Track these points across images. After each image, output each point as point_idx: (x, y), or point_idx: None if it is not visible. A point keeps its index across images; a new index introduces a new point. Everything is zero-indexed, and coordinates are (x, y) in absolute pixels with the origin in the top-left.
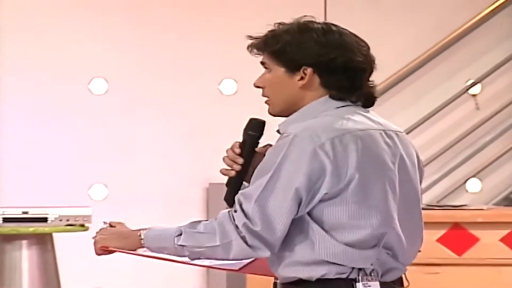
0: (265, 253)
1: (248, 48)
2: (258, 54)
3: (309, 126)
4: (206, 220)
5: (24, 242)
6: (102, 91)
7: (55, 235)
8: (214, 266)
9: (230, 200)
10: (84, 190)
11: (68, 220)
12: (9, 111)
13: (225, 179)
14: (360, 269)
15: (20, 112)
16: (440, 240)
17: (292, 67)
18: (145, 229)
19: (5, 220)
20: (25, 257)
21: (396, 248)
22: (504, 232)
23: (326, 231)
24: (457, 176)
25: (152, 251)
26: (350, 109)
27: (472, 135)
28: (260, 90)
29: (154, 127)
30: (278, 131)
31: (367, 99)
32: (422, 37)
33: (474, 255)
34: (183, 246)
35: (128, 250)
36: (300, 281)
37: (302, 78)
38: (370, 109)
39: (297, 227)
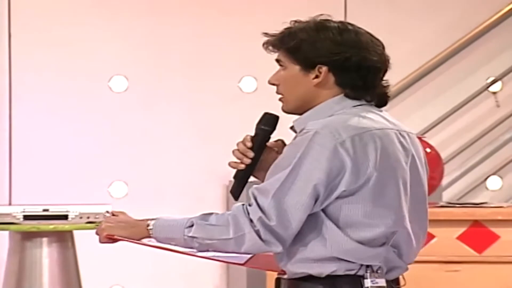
0: (278, 248)
1: (263, 45)
2: (274, 51)
3: (329, 123)
4: (217, 213)
5: (45, 239)
6: (122, 88)
7: (75, 232)
8: (218, 258)
9: (236, 193)
10: (105, 187)
11: (88, 217)
12: (30, 109)
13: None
14: (367, 266)
15: (41, 110)
16: (461, 237)
17: (307, 65)
18: (153, 219)
19: (26, 217)
20: (45, 255)
21: (403, 247)
22: None
23: (339, 228)
24: (477, 173)
25: (159, 241)
26: (366, 108)
27: (492, 132)
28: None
29: (174, 124)
30: (291, 128)
31: (381, 99)
32: (442, 35)
33: (495, 253)
34: (193, 237)
35: (134, 239)
36: (310, 277)
37: (317, 77)
38: (385, 108)
39: (310, 223)
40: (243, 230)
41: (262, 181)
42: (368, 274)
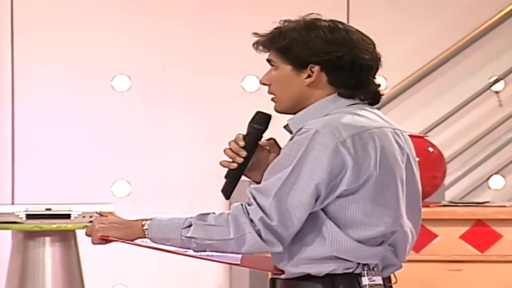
0: (278, 248)
1: (254, 45)
2: (264, 51)
3: (329, 122)
4: (213, 212)
5: (47, 238)
6: (125, 88)
7: (78, 231)
8: (213, 258)
9: (228, 193)
10: (107, 186)
11: (91, 216)
12: (33, 109)
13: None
14: (364, 264)
15: (43, 109)
16: (463, 237)
17: (299, 64)
18: (147, 219)
19: (29, 216)
20: (48, 254)
21: (399, 246)
22: None
23: (339, 227)
24: (480, 173)
25: (154, 241)
26: (360, 106)
27: (495, 131)
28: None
29: (177, 123)
30: (285, 127)
31: (374, 97)
32: (444, 34)
33: (497, 252)
34: (191, 238)
35: (129, 240)
36: (308, 276)
37: (309, 76)
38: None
39: (310, 223)
40: (244, 230)
41: (254, 181)
42: (365, 272)
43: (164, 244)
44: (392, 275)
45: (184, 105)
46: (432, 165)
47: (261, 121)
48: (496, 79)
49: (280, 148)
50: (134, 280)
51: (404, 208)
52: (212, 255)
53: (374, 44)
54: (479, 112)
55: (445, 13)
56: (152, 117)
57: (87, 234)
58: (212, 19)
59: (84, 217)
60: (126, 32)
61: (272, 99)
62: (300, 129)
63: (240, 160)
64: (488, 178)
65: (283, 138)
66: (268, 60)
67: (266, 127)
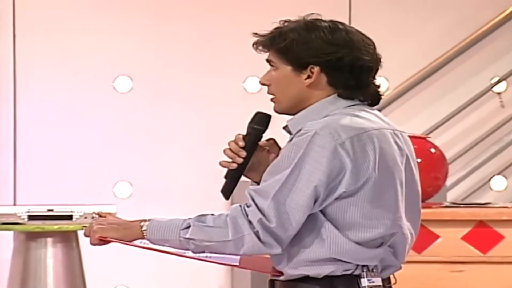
0: (277, 250)
1: (253, 45)
2: (264, 51)
3: (328, 124)
4: (212, 214)
5: (49, 239)
6: (127, 89)
7: (80, 232)
8: (211, 260)
9: (227, 193)
10: (109, 187)
11: (93, 217)
12: (35, 110)
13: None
14: (364, 266)
15: (45, 110)
16: (465, 238)
17: (299, 65)
18: (145, 220)
19: (31, 217)
20: (50, 255)
21: (399, 247)
22: None
23: (338, 229)
24: (481, 174)
25: (152, 242)
26: (360, 107)
27: (497, 132)
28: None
29: (179, 124)
30: (284, 128)
31: (374, 98)
32: (446, 35)
33: (499, 253)
34: (190, 239)
35: (127, 241)
36: (307, 278)
37: (309, 77)
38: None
39: (309, 225)
40: (242, 232)
41: (254, 181)
42: (364, 273)
43: (163, 245)
44: (391, 276)
45: (185, 106)
46: (434, 166)
47: (261, 121)
48: (498, 80)
49: (279, 149)
50: (136, 281)
51: (403, 210)
52: (210, 257)
53: (374, 45)
54: (481, 113)
55: (447, 14)
56: (154, 118)
57: (86, 235)
58: (214, 20)
59: (86, 218)
60: (128, 33)
61: (272, 100)
62: (299, 130)
63: (240, 160)
64: (490, 179)
65: (283, 139)
66: (268, 61)
67: (266, 128)
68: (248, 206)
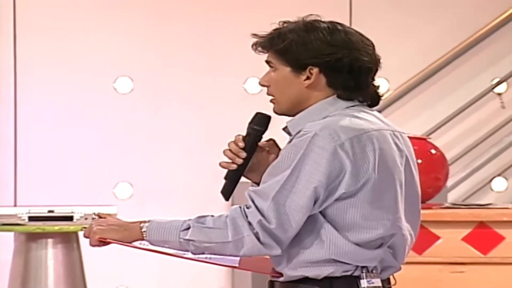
0: (277, 251)
1: (252, 46)
2: (263, 52)
3: (328, 125)
4: (212, 215)
5: (50, 240)
6: (127, 89)
7: (80, 233)
8: (211, 261)
9: (227, 194)
10: (109, 188)
11: (93, 218)
12: (35, 111)
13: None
14: (363, 267)
15: (46, 111)
16: (466, 239)
17: (298, 66)
18: (145, 221)
19: (31, 218)
20: (50, 256)
21: (399, 248)
22: None
23: (338, 230)
24: (482, 175)
25: (152, 244)
26: (359, 108)
27: (498, 133)
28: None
29: (179, 125)
30: (284, 129)
31: (373, 99)
32: (447, 36)
33: (500, 254)
34: (189, 240)
35: (127, 242)
36: (306, 279)
37: (308, 78)
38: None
39: (308, 226)
40: (242, 233)
41: (254, 182)
42: (364, 274)
43: (163, 247)
44: (391, 277)
45: (186, 107)
46: (434, 167)
47: (260, 122)
48: (498, 81)
49: (279, 149)
50: (136, 282)
51: (402, 211)
52: (210, 258)
53: (373, 46)
54: (481, 114)
55: (447, 15)
56: (155, 119)
57: (85, 236)
58: (215, 21)
59: (86, 219)
60: (128, 34)
61: (271, 101)
62: (299, 131)
63: (240, 161)
64: (491, 180)
65: (282, 139)
66: (267, 62)
67: (266, 128)
68: (247, 207)
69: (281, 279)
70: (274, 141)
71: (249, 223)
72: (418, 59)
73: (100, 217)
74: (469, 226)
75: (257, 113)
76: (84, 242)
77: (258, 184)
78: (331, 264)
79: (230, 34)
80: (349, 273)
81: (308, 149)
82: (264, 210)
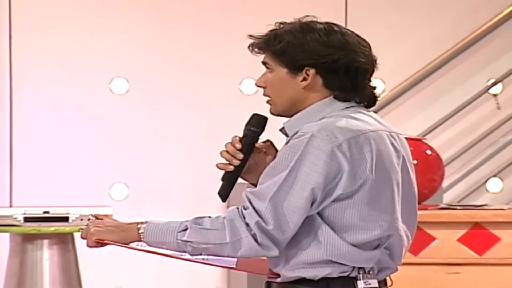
0: (274, 252)
1: (249, 47)
2: (259, 54)
3: (325, 126)
4: (209, 216)
5: (45, 241)
6: (123, 90)
7: (76, 234)
8: (209, 262)
9: (224, 195)
10: (105, 189)
11: (89, 219)
12: (30, 111)
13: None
14: (360, 268)
15: (41, 112)
16: (461, 240)
17: (295, 67)
18: (142, 222)
19: (27, 219)
20: (46, 257)
21: (395, 249)
22: None
23: (335, 231)
24: (477, 175)
25: (150, 245)
26: (356, 109)
27: (493, 134)
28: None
29: (175, 126)
30: (281, 130)
31: (370, 100)
32: (442, 37)
33: (495, 255)
34: (187, 241)
35: (124, 243)
36: (303, 280)
37: (304, 79)
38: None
39: (306, 227)
40: (240, 234)
41: (251, 183)
42: (361, 275)
43: (160, 248)
44: (387, 278)
45: (182, 108)
46: (430, 168)
47: (257, 123)
48: (494, 82)
49: (276, 151)
50: (132, 282)
51: (399, 212)
52: (207, 259)
53: (370, 47)
54: (477, 115)
55: (443, 16)
56: (150, 120)
57: (82, 237)
58: (211, 21)
59: (82, 220)
60: (124, 34)
61: (268, 102)
62: (296, 132)
63: (237, 162)
64: (486, 181)
65: (279, 140)
66: (264, 63)
67: (263, 130)
68: (245, 209)
69: (278, 280)
70: (271, 142)
71: (247, 224)
72: (414, 60)
73: (97, 218)
74: (464, 227)
75: (254, 114)
76: (80, 243)
77: (255, 185)
78: (328, 265)
79: (226, 35)
80: (346, 274)
81: (305, 150)
82: (262, 211)
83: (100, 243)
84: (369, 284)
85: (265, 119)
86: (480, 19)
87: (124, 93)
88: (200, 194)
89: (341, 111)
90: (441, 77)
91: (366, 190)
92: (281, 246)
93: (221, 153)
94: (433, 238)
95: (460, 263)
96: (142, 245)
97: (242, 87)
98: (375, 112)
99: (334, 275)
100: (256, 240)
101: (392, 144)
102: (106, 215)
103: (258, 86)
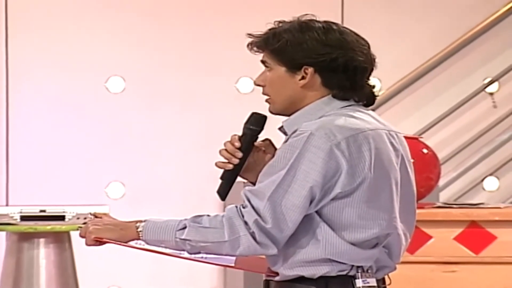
0: (273, 250)
1: (248, 46)
2: (258, 52)
3: (324, 124)
4: (208, 215)
5: (42, 240)
6: (119, 89)
7: (72, 233)
8: (207, 261)
9: (223, 194)
10: (101, 188)
11: (85, 218)
12: (27, 110)
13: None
14: (359, 266)
15: (38, 111)
16: (457, 238)
17: (293, 66)
18: (141, 221)
19: (23, 218)
20: (42, 255)
21: (394, 248)
22: None
23: (334, 230)
24: (474, 174)
25: (148, 243)
26: (355, 108)
27: (489, 133)
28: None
29: (171, 125)
30: (280, 129)
31: (369, 98)
32: (439, 36)
33: (491, 254)
34: (185, 240)
35: (123, 241)
36: (302, 279)
37: (303, 78)
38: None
39: (304, 226)
40: (238, 232)
41: (250, 182)
42: (359, 274)
43: (159, 246)
44: (386, 277)
45: (178, 106)
46: (426, 166)
47: (256, 122)
48: (490, 81)
49: (275, 149)
50: (129, 281)
51: (398, 210)
52: (206, 257)
53: (368, 45)
54: (473, 114)
55: (439, 15)
56: (146, 119)
57: (81, 236)
58: (207, 20)
59: (78, 218)
60: (120, 33)
61: (267, 100)
62: (295, 131)
63: (236, 161)
64: (483, 180)
65: (278, 139)
66: (262, 61)
67: (262, 128)
68: (244, 207)
69: (276, 278)
70: (270, 140)
71: (245, 223)
72: (410, 59)
73: (96, 217)
74: (461, 225)
75: (253, 113)
76: (76, 242)
77: (254, 184)
78: (326, 263)
79: (222, 33)
80: (344, 273)
81: (304, 148)
82: (260, 209)
83: (99, 242)
84: (368, 282)
85: (264, 118)
86: (476, 18)
87: (121, 92)
88: (197, 193)
89: (340, 110)
90: (437, 75)
91: (364, 189)
92: (279, 244)
93: (220, 151)
94: (430, 237)
95: (457, 261)
96: (141, 243)
97: (238, 86)
98: (373, 110)
99: (333, 274)
100: (254, 238)
101: (391, 142)
102: (104, 214)
103: (257, 84)
